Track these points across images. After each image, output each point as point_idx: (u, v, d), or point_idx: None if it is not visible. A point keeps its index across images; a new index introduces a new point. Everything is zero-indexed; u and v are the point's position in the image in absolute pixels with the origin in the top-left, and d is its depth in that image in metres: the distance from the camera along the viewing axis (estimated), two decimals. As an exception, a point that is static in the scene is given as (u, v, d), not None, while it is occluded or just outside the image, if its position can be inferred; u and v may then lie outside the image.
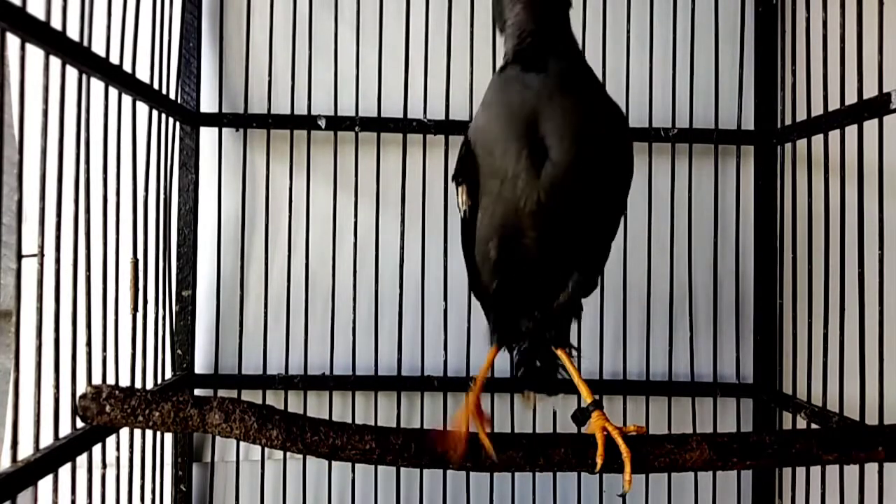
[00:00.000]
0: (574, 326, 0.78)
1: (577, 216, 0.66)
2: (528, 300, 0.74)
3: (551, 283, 0.71)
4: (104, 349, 0.81)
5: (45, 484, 0.69)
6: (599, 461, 0.64)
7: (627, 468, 0.64)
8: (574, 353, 0.82)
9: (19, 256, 0.64)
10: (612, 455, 0.65)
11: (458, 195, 0.74)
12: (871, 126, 0.83)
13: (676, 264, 1.10)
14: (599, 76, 1.09)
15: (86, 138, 0.76)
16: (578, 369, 0.76)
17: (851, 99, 0.87)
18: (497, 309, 0.76)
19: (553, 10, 0.68)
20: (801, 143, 1.01)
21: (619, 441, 0.65)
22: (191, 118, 1.08)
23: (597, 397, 0.73)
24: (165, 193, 1.00)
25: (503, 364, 1.06)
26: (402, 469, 1.07)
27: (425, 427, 1.00)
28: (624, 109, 1.09)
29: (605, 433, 0.66)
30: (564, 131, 0.63)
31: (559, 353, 0.76)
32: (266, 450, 1.08)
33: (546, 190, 0.64)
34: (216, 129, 1.10)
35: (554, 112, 0.63)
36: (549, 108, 0.63)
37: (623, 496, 0.67)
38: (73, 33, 0.72)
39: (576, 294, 0.73)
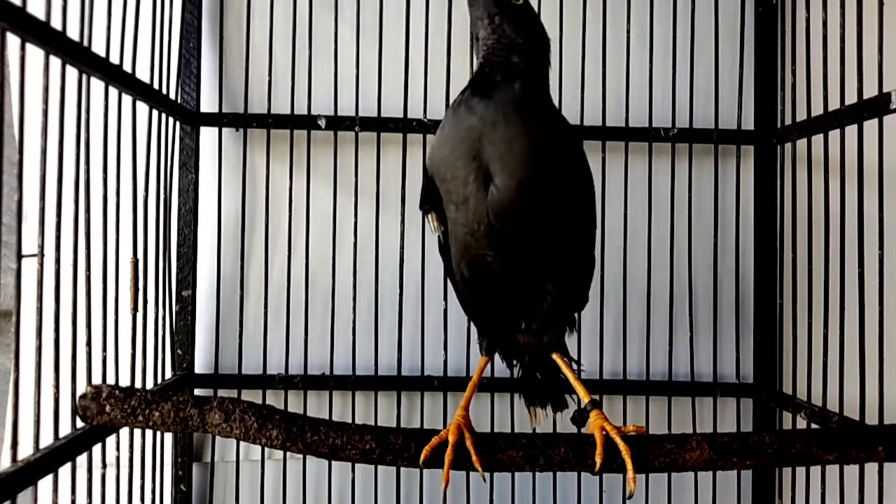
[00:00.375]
0: (575, 327, 0.79)
1: (530, 236, 0.67)
2: (507, 313, 0.75)
3: (527, 298, 0.73)
4: (104, 349, 0.81)
5: (45, 484, 0.69)
6: (599, 460, 0.64)
7: (629, 466, 0.64)
8: (574, 365, 0.83)
9: (19, 256, 0.64)
10: (612, 455, 0.65)
11: (429, 222, 0.76)
12: (871, 126, 0.83)
13: (676, 264, 1.10)
14: (598, 79, 1.09)
15: (86, 138, 0.76)
16: (578, 376, 0.76)
17: (851, 99, 0.87)
18: (480, 322, 0.78)
19: (518, 31, 0.69)
20: (801, 143, 1.01)
21: (618, 440, 0.65)
22: (191, 118, 1.08)
23: (595, 397, 0.73)
24: (165, 193, 1.00)
25: (504, 363, 1.06)
26: (402, 469, 1.07)
27: (425, 427, 1.01)
28: (624, 109, 1.10)
29: (604, 433, 0.66)
30: (505, 157, 0.64)
31: (555, 356, 0.76)
32: (266, 450, 1.08)
33: (495, 213, 0.66)
34: (216, 129, 1.10)
35: (495, 138, 0.64)
36: (491, 134, 0.64)
37: (629, 497, 0.66)
38: (73, 33, 0.72)
39: (557, 307, 0.74)
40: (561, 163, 0.67)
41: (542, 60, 0.71)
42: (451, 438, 0.65)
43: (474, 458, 0.64)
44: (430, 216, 0.75)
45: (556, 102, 1.09)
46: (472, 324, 1.07)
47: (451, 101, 1.07)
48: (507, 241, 0.67)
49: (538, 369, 0.85)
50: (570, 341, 0.81)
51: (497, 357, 0.82)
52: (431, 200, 0.72)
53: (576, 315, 0.80)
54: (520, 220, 0.66)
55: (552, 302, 0.73)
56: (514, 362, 0.86)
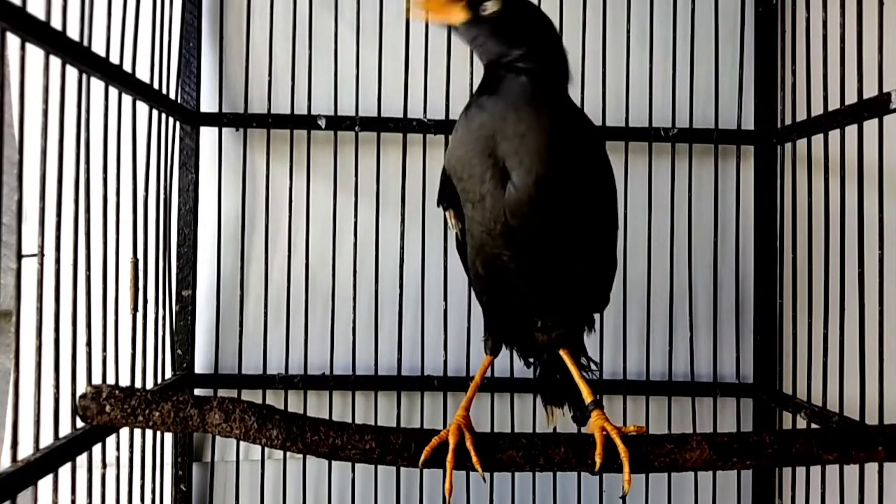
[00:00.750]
0: (593, 327, 0.80)
1: (547, 235, 0.67)
2: (523, 311, 0.75)
3: (542, 297, 0.72)
4: (104, 349, 0.81)
5: (45, 484, 0.69)
6: (598, 461, 0.64)
7: (626, 468, 0.64)
8: (593, 365, 0.84)
9: (19, 256, 0.64)
10: (612, 455, 0.65)
11: (448, 219, 0.76)
12: (871, 126, 0.83)
13: (676, 264, 1.10)
14: (598, 79, 1.09)
15: (86, 138, 0.76)
16: (584, 377, 0.76)
17: (851, 99, 0.87)
18: (494, 319, 0.77)
19: (507, 38, 0.67)
20: (801, 143, 1.01)
21: (618, 441, 0.65)
22: (191, 118, 1.08)
23: (597, 397, 0.73)
24: (165, 193, 1.00)
25: (503, 363, 1.06)
26: (402, 469, 1.07)
27: (425, 427, 1.01)
28: (624, 109, 1.10)
29: (605, 433, 0.66)
30: (521, 152, 0.63)
31: (562, 353, 0.76)
32: (266, 450, 1.08)
33: (512, 211, 0.65)
34: (216, 129, 1.10)
35: (508, 133, 0.64)
36: (503, 129, 0.64)
37: (623, 497, 0.67)
38: (73, 33, 0.72)
39: (573, 307, 0.74)
40: (579, 156, 0.66)
41: (545, 56, 0.68)
42: (451, 440, 0.65)
43: (474, 458, 0.64)
44: (448, 213, 0.75)
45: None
46: (471, 324, 1.07)
47: (451, 101, 1.08)
48: (523, 240, 0.67)
49: (556, 367, 0.84)
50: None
51: (498, 357, 0.82)
52: (449, 198, 0.72)
53: (596, 314, 0.80)
54: (537, 218, 0.65)
55: (568, 301, 0.73)
56: (532, 360, 0.86)
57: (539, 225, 0.66)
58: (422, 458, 0.64)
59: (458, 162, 0.67)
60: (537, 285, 0.71)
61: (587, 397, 0.73)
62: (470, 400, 0.72)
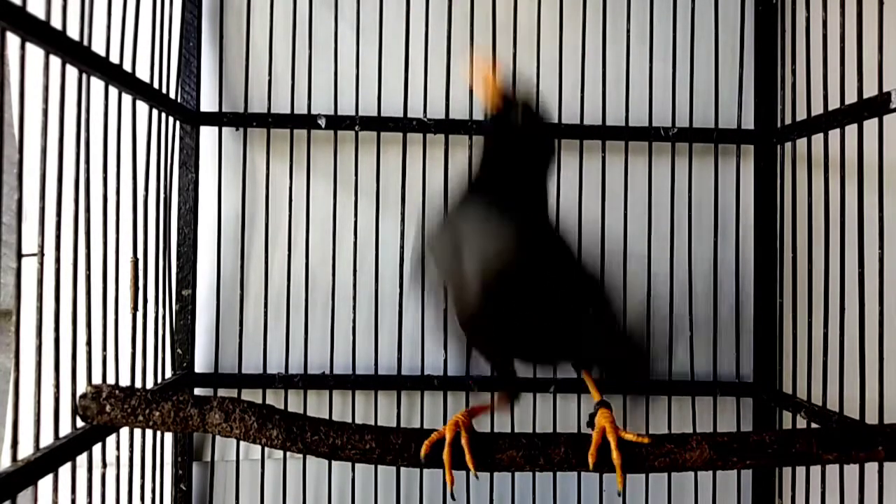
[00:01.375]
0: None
1: (513, 319, 0.70)
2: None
3: (533, 357, 0.81)
4: (104, 349, 0.81)
5: (45, 484, 0.69)
6: (591, 461, 0.65)
7: (618, 472, 0.65)
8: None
9: (19, 256, 0.65)
10: (608, 456, 0.65)
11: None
12: (871, 126, 0.83)
13: (676, 264, 1.10)
14: (598, 79, 1.09)
15: (86, 138, 0.76)
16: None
17: (851, 98, 0.87)
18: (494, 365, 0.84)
19: (514, 160, 0.72)
20: (801, 143, 1.01)
21: (613, 444, 0.66)
22: (191, 117, 1.08)
23: (605, 398, 0.74)
24: (165, 193, 1.00)
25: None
26: (402, 469, 1.07)
27: (425, 427, 1.01)
28: (624, 109, 1.10)
29: (603, 434, 0.67)
30: (475, 265, 0.68)
31: (584, 375, 0.80)
32: (266, 449, 1.09)
33: (473, 303, 0.70)
34: (216, 129, 1.10)
35: (465, 244, 0.69)
36: (465, 238, 0.69)
37: (622, 494, 0.68)
38: (73, 33, 0.72)
39: (567, 354, 0.80)
40: (531, 276, 0.69)
41: (521, 190, 0.72)
42: (447, 436, 0.65)
43: (468, 457, 0.65)
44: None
45: (556, 112, 1.09)
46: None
47: (450, 101, 1.08)
48: (490, 325, 0.71)
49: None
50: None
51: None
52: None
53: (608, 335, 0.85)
54: (500, 307, 0.69)
55: (560, 354, 0.79)
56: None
57: (502, 312, 0.69)
58: (422, 451, 0.64)
59: (433, 251, 0.75)
60: (521, 358, 0.79)
61: (595, 397, 0.74)
62: (476, 410, 0.73)
